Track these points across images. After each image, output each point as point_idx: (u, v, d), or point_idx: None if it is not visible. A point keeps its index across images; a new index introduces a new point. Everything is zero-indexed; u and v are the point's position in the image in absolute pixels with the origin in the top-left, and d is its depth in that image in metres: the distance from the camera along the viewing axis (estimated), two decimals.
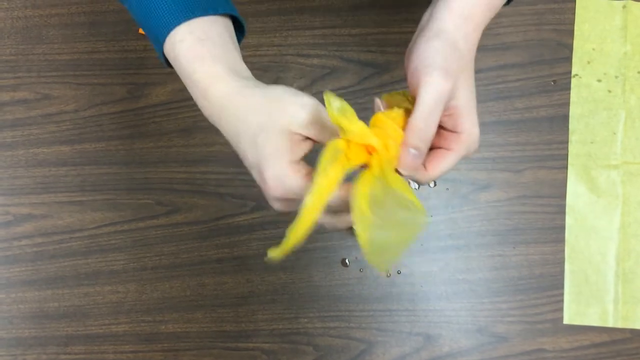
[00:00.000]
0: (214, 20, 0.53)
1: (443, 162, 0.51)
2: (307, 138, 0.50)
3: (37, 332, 0.88)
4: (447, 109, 0.50)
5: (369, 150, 0.48)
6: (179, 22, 0.51)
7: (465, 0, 0.51)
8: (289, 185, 0.48)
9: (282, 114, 0.48)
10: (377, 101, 0.52)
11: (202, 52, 0.51)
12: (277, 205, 0.51)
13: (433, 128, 0.48)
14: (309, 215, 0.47)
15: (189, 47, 0.51)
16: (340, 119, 0.46)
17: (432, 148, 0.51)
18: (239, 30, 0.58)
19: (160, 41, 0.53)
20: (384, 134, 0.48)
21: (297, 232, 0.48)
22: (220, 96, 0.50)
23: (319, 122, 0.49)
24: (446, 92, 0.48)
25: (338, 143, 0.47)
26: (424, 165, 0.50)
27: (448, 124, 0.51)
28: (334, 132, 0.48)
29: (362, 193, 0.47)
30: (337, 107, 0.46)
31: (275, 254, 0.49)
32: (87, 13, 0.94)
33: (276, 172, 0.48)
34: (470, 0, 0.51)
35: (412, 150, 0.48)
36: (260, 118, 0.49)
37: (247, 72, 0.53)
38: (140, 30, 0.93)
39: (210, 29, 0.52)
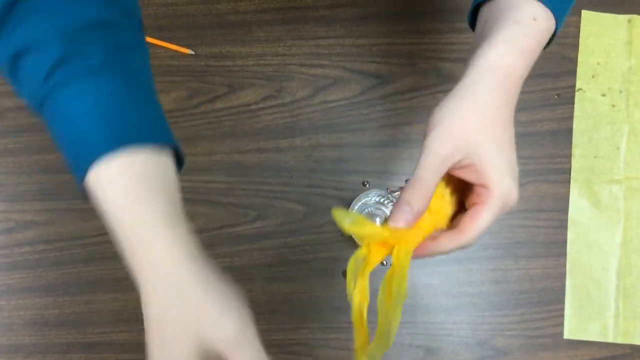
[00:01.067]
0: (149, 154, 0.46)
1: (477, 219, 0.49)
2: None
3: (38, 339, 0.88)
4: (468, 167, 0.49)
5: (388, 245, 0.50)
6: (107, 150, 0.44)
7: (500, 52, 0.49)
8: None
9: (203, 329, 0.45)
10: None
11: (136, 198, 0.45)
12: None
13: (428, 190, 0.48)
14: (360, 328, 0.51)
15: (123, 188, 0.45)
16: (353, 229, 0.48)
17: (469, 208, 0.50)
18: (178, 162, 0.52)
19: (80, 170, 0.46)
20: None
21: (359, 345, 0.52)
22: (159, 264, 0.46)
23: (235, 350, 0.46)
24: (445, 155, 0.47)
25: (358, 252, 0.50)
26: (457, 228, 0.50)
27: (476, 179, 0.49)
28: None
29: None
30: (348, 222, 0.48)
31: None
32: None
33: None
34: (504, 51, 0.49)
35: (404, 206, 0.48)
36: (174, 321, 0.45)
37: (184, 224, 0.48)
38: (146, 38, 0.93)
39: (147, 165, 0.46)
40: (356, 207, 0.84)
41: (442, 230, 0.52)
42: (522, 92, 0.90)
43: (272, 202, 0.90)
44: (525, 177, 0.90)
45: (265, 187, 0.90)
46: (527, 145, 0.90)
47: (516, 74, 0.50)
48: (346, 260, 0.88)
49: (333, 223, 0.89)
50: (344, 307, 0.88)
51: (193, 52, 0.93)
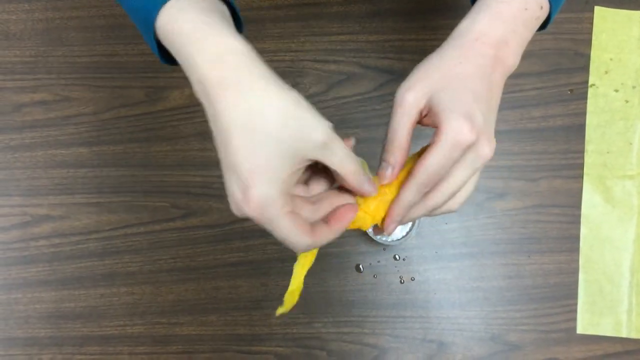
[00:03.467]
0: (212, 1, 0.48)
1: (425, 157, 0.49)
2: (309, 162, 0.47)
3: (53, 332, 0.89)
4: (427, 114, 0.51)
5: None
6: None
7: (481, 21, 0.52)
8: (269, 212, 0.44)
9: (298, 133, 0.44)
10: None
11: (211, 21, 0.45)
12: (240, 215, 0.46)
13: (399, 137, 0.50)
14: (296, 282, 0.56)
15: (195, 15, 0.46)
16: None
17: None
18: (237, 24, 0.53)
19: (150, 19, 0.47)
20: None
21: (291, 296, 0.57)
22: (239, 66, 0.44)
23: (331, 148, 0.46)
24: (409, 101, 0.50)
25: None
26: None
27: (431, 123, 0.51)
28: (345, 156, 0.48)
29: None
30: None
31: (280, 311, 0.55)
32: (106, 16, 0.95)
33: (264, 195, 0.44)
34: (504, 29, 0.52)
35: (382, 163, 0.51)
36: (271, 127, 0.43)
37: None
38: None
39: (212, 5, 0.48)
40: None
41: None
42: (536, 88, 0.91)
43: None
44: (539, 172, 0.90)
45: None
46: (540, 141, 0.91)
47: (489, 37, 0.51)
48: (359, 254, 0.88)
49: None
50: (358, 301, 0.88)
51: None
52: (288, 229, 0.45)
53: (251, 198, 0.43)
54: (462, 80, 0.49)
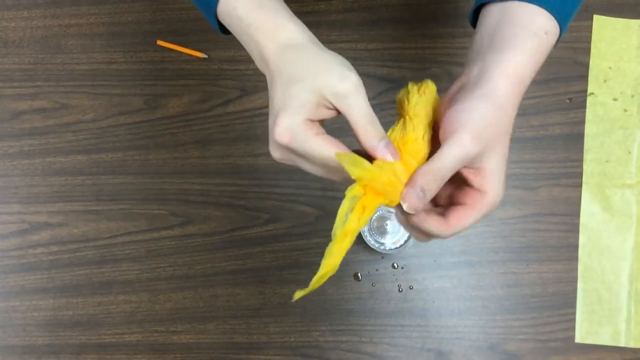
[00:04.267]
0: None
1: (465, 218, 0.51)
2: (334, 108, 0.51)
3: (51, 340, 0.89)
4: (475, 169, 0.51)
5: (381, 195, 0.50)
6: None
7: (518, 62, 0.51)
8: (297, 137, 0.49)
9: (322, 77, 0.49)
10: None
11: (260, 3, 0.53)
12: (276, 154, 0.52)
13: (443, 182, 0.50)
14: (331, 264, 0.50)
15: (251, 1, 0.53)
16: (352, 169, 0.47)
17: (456, 203, 0.53)
18: None
19: (211, 2, 0.55)
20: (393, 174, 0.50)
21: (320, 279, 0.51)
22: (291, 37, 0.52)
23: (351, 99, 0.49)
24: (470, 156, 0.49)
25: (355, 190, 0.49)
26: (446, 218, 0.52)
27: (475, 181, 0.51)
28: (365, 113, 0.50)
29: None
30: (349, 162, 0.47)
31: (299, 295, 0.51)
32: (105, 24, 0.95)
33: (290, 122, 0.49)
34: (523, 62, 0.52)
35: (419, 191, 0.49)
36: (304, 72, 0.50)
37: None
38: (159, 42, 0.93)
39: None
40: None
41: (431, 213, 0.53)
42: (535, 96, 0.91)
43: (284, 205, 0.90)
44: (537, 180, 0.90)
45: (277, 190, 0.91)
46: (539, 149, 0.90)
47: (526, 85, 0.53)
48: (357, 262, 0.88)
49: None
50: (356, 309, 0.88)
51: (206, 56, 0.93)
52: (319, 147, 0.49)
53: (279, 123, 0.49)
54: (508, 138, 0.52)
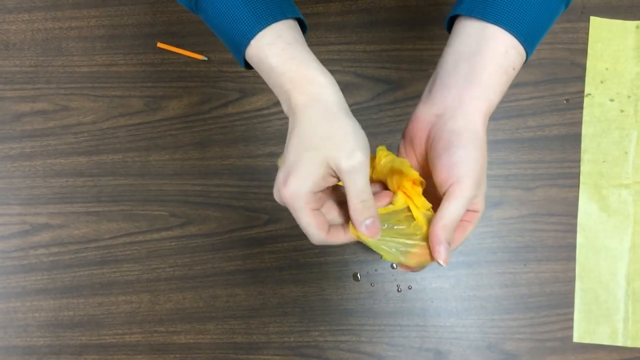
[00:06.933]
0: (289, 25, 0.57)
1: (463, 234, 0.58)
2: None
3: (52, 341, 0.89)
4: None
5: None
6: (262, 27, 0.56)
7: (491, 101, 0.56)
8: (295, 203, 0.54)
9: (333, 150, 0.53)
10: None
11: (293, 54, 0.55)
12: (277, 199, 0.56)
13: (456, 224, 0.55)
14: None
15: (282, 49, 0.55)
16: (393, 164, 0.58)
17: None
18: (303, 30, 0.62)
19: (240, 46, 0.57)
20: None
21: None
22: (320, 92, 0.55)
23: (351, 176, 0.53)
24: (473, 197, 0.55)
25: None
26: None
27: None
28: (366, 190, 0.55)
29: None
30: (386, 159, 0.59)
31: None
32: (106, 26, 0.96)
33: (296, 188, 0.53)
34: (495, 101, 0.57)
35: (446, 245, 0.55)
36: (319, 141, 0.53)
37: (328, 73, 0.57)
38: (159, 44, 0.94)
39: (290, 32, 0.57)
40: None
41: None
42: (532, 97, 0.92)
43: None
44: (535, 181, 0.91)
45: None
46: (537, 150, 0.91)
47: (485, 110, 0.57)
48: (356, 262, 0.89)
49: None
50: (355, 309, 0.89)
51: (206, 58, 0.94)
52: (307, 222, 0.54)
53: (288, 184, 0.53)
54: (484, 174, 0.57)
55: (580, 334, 0.88)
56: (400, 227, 0.57)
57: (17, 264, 0.91)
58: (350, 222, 0.55)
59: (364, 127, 0.91)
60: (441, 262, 0.55)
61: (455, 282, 0.89)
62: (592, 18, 0.94)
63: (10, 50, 0.96)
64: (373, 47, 0.94)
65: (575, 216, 0.90)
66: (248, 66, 0.60)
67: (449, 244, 0.55)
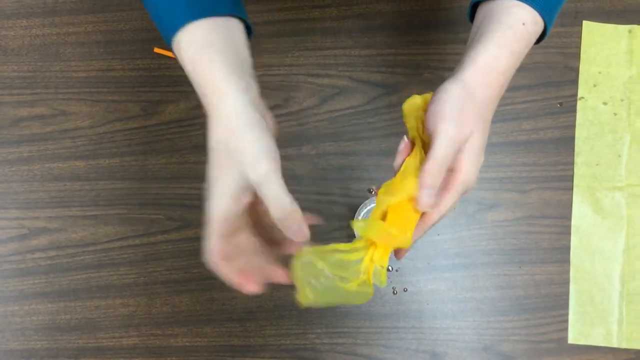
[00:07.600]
0: (216, 24, 0.56)
1: (443, 202, 0.56)
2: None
3: (49, 344, 0.90)
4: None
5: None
6: (181, 26, 0.55)
7: (490, 54, 0.55)
8: (210, 224, 0.58)
9: (241, 166, 0.53)
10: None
11: (204, 59, 0.55)
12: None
13: (445, 171, 0.54)
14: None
15: (193, 54, 0.55)
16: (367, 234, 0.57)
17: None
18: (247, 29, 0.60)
19: (167, 37, 0.57)
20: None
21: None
22: (217, 105, 0.55)
23: (262, 186, 0.53)
24: (459, 142, 0.54)
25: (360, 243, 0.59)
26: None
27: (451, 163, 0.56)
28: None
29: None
30: (360, 228, 0.57)
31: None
32: (103, 32, 0.97)
33: (217, 207, 0.57)
34: (495, 53, 0.56)
35: (429, 190, 0.54)
36: (230, 159, 0.54)
37: (247, 79, 0.56)
38: (156, 49, 0.95)
39: (210, 34, 0.55)
40: (362, 214, 0.86)
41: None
42: (526, 101, 0.93)
43: None
44: (529, 183, 0.91)
45: None
46: (531, 153, 0.92)
47: (505, 75, 0.57)
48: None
49: (340, 229, 0.90)
50: (351, 312, 0.89)
51: None
52: (211, 245, 0.58)
53: (210, 205, 0.57)
54: (486, 122, 0.57)
55: (575, 336, 0.88)
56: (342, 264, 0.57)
57: (14, 267, 0.91)
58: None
59: (359, 132, 0.93)
60: (422, 206, 0.54)
61: (451, 284, 0.90)
62: (585, 22, 0.95)
63: (8, 56, 0.96)
64: (368, 51, 0.95)
65: (569, 218, 0.91)
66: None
67: (434, 188, 0.54)
